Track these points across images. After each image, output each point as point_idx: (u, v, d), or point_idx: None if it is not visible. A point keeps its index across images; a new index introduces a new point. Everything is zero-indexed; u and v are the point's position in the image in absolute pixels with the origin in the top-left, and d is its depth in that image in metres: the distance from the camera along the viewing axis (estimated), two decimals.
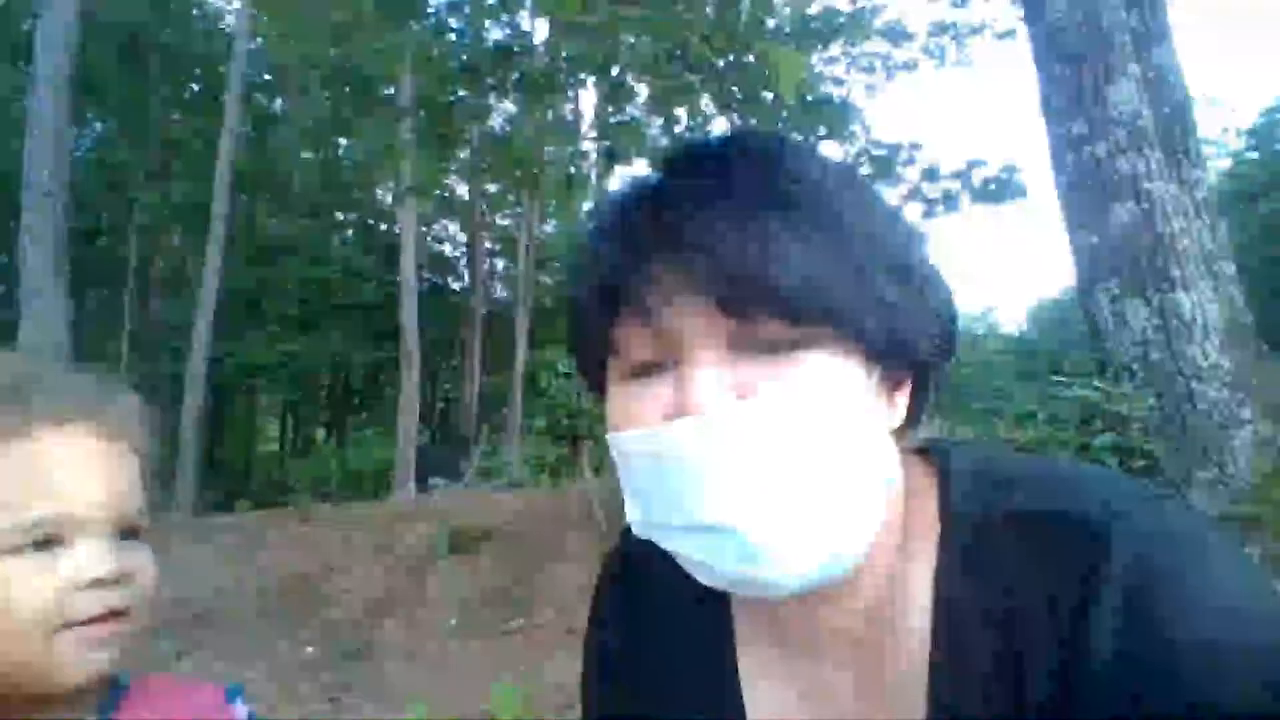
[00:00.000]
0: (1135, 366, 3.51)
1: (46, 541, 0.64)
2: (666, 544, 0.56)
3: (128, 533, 0.69)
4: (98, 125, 18.07)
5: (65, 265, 8.09)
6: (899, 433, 0.60)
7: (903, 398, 0.59)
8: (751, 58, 4.27)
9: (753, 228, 0.50)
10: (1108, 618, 0.47)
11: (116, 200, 16.34)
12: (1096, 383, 3.63)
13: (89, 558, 0.65)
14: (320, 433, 19.89)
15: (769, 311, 0.50)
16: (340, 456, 14.41)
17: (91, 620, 0.65)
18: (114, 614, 0.66)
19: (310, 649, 5.04)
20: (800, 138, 4.45)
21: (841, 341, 0.52)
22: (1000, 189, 4.06)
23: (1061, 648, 0.49)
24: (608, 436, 0.58)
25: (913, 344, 0.55)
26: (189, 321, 12.23)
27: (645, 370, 0.55)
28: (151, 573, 0.71)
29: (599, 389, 0.61)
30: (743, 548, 0.51)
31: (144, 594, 0.70)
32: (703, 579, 0.56)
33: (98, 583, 0.65)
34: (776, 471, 0.51)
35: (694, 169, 0.57)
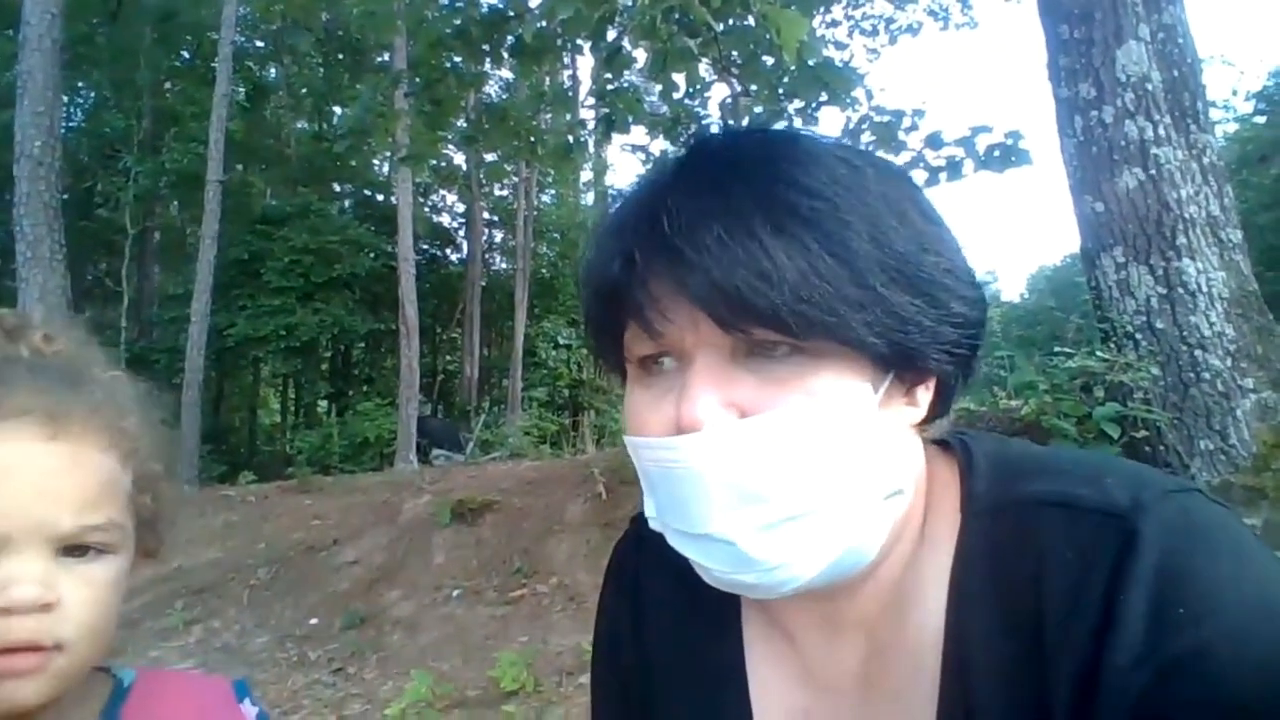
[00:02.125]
0: (1139, 335, 3.48)
1: None
2: (673, 543, 0.58)
3: (79, 549, 0.60)
4: (89, 94, 17.82)
5: (61, 236, 8.04)
6: (922, 425, 0.60)
7: (925, 393, 0.58)
8: (751, 20, 4.18)
9: (748, 243, 0.50)
10: (1137, 610, 0.47)
11: (111, 170, 16.19)
12: (1099, 351, 3.61)
13: (6, 578, 0.56)
14: (322, 404, 19.93)
15: (761, 325, 0.50)
16: (342, 428, 14.45)
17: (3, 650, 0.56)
18: (33, 647, 0.57)
19: (314, 619, 5.10)
20: (801, 103, 4.38)
21: (845, 355, 0.52)
22: (1005, 156, 3.99)
23: (1088, 639, 0.49)
24: (625, 438, 0.60)
25: (923, 354, 0.54)
26: (188, 292, 12.19)
27: (655, 371, 0.57)
28: (97, 600, 0.61)
29: (623, 382, 0.62)
30: (738, 558, 0.53)
31: (81, 625, 0.59)
32: (705, 578, 0.58)
33: (23, 606, 0.56)
34: (773, 489, 0.51)
35: (696, 171, 0.56)
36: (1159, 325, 3.42)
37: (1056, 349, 4.09)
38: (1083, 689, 0.48)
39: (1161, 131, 3.35)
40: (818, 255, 0.50)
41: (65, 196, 8.76)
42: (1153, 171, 3.37)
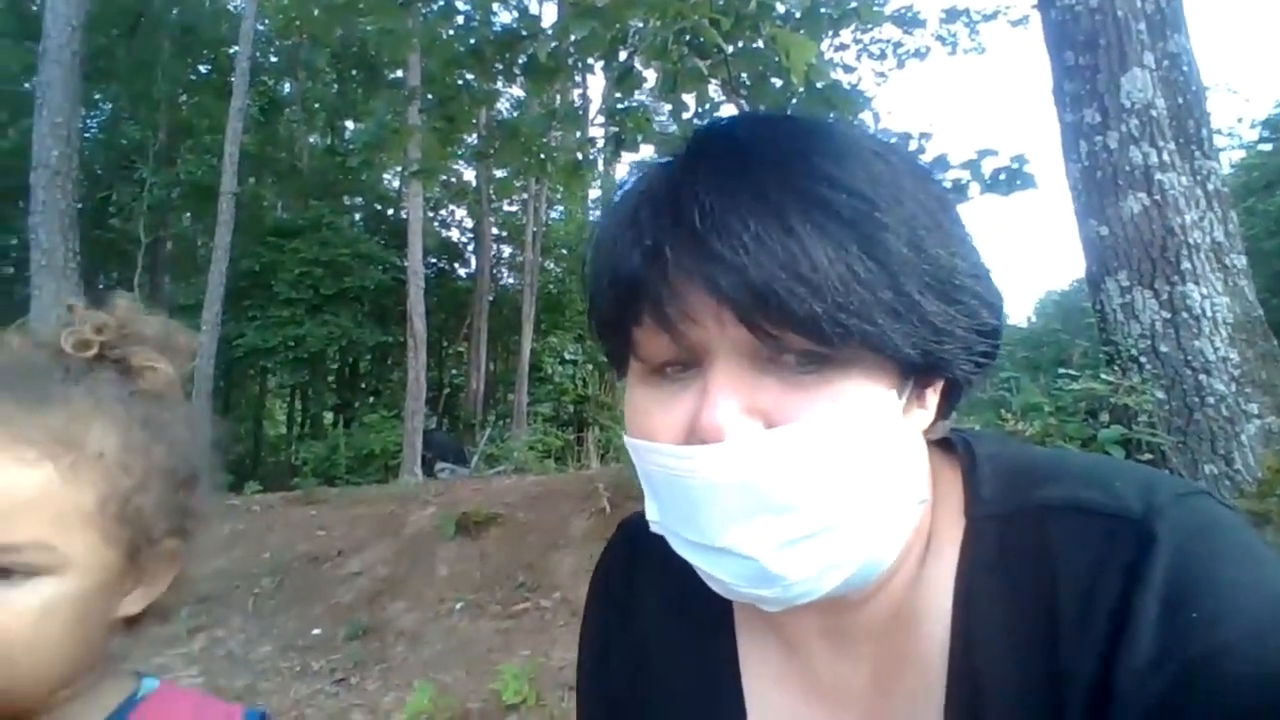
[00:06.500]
0: (1143, 359, 3.50)
1: None
2: (680, 550, 0.55)
3: (2, 569, 0.56)
4: (106, 105, 18.07)
5: (76, 245, 8.11)
6: (928, 428, 0.58)
7: (934, 395, 0.57)
8: (760, 43, 4.24)
9: (786, 241, 0.46)
10: (1150, 614, 0.46)
11: (126, 181, 16.39)
12: (1104, 375, 3.62)
13: None
14: (328, 416, 19.97)
15: (795, 330, 0.47)
16: (348, 439, 14.47)
17: None
18: None
19: (318, 629, 5.10)
20: None
21: (873, 361, 0.49)
22: (1010, 179, 4.02)
23: (1103, 644, 0.48)
24: (626, 439, 0.56)
25: (953, 363, 0.52)
26: (199, 302, 12.29)
27: (667, 373, 0.53)
28: (15, 627, 0.56)
29: (622, 374, 0.58)
30: (760, 573, 0.50)
31: None
32: (715, 588, 0.55)
33: None
34: (797, 502, 0.49)
35: (723, 160, 0.51)
36: (1163, 349, 3.43)
37: (1061, 371, 4.11)
38: (1097, 694, 0.48)
39: (1165, 157, 3.38)
40: (857, 258, 0.46)
41: (80, 206, 8.85)
42: (1157, 197, 3.40)
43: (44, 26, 8.17)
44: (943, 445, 0.62)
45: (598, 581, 0.79)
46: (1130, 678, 0.46)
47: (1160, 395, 3.38)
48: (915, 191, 0.51)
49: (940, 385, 0.57)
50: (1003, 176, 4.25)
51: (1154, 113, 3.41)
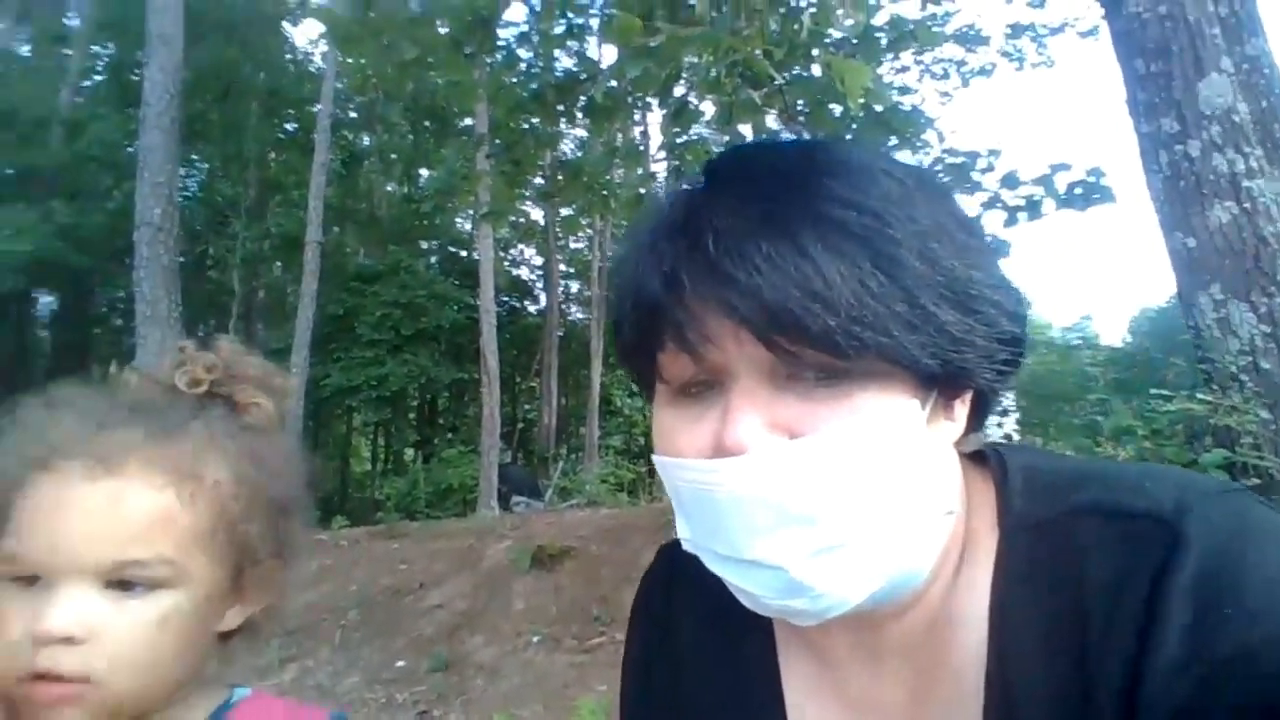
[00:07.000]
0: (1244, 377, 3.29)
1: (30, 580, 0.61)
2: (712, 566, 0.56)
3: (125, 584, 0.62)
4: (202, 166, 19.35)
5: (178, 297, 8.61)
6: (960, 440, 0.58)
7: (963, 407, 0.57)
8: (816, 69, 4.25)
9: (799, 261, 0.48)
10: (1181, 612, 0.46)
11: (221, 236, 17.49)
12: (1200, 394, 3.42)
13: (45, 608, 0.59)
14: (409, 452, 20.58)
15: (812, 346, 0.48)
16: (427, 474, 14.88)
17: (41, 677, 0.59)
18: (66, 677, 0.59)
19: (401, 661, 5.22)
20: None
21: (892, 373, 0.50)
22: (1086, 194, 3.88)
23: (1133, 644, 0.47)
24: (654, 457, 0.58)
25: (971, 371, 0.53)
26: (289, 346, 12.92)
27: (692, 393, 0.54)
28: (139, 635, 0.61)
29: (649, 398, 0.60)
30: (788, 584, 0.51)
31: (117, 660, 0.60)
32: (746, 603, 0.55)
33: (48, 637, 0.58)
34: (821, 512, 0.49)
35: (737, 186, 0.54)
36: (1265, 366, 3.22)
37: (1154, 392, 3.90)
38: (1127, 695, 0.47)
39: (1253, 164, 3.21)
40: (870, 274, 0.48)
41: (181, 260, 9.43)
42: (1246, 205, 3.22)
43: (143, 95, 8.78)
44: (976, 458, 0.62)
45: (639, 603, 0.81)
46: (1159, 675, 0.45)
47: (1265, 414, 3.17)
48: (927, 207, 0.52)
49: (968, 397, 0.57)
50: (1078, 191, 4.11)
51: (1236, 118, 3.25)
